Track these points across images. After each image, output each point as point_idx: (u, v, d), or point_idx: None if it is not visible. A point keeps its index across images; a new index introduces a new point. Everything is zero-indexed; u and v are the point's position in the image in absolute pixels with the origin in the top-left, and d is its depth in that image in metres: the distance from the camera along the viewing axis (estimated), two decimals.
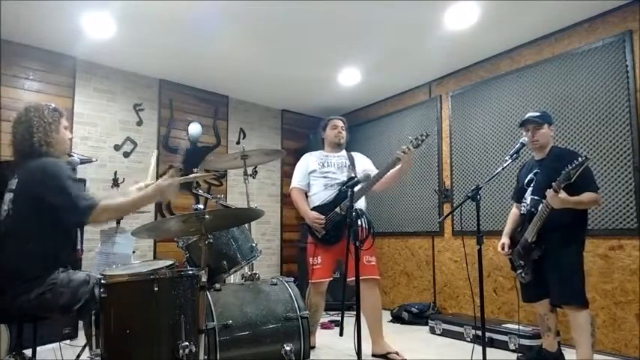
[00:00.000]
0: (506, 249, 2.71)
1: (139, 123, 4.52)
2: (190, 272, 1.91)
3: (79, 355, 2.29)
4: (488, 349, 2.24)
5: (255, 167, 5.37)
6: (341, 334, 2.16)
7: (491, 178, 2.65)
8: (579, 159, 2.23)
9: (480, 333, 2.32)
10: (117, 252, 3.15)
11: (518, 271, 2.64)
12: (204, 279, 1.88)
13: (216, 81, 4.82)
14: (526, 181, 2.68)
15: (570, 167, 2.25)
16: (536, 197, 2.53)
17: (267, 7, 3.24)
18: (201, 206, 2.91)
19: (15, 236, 1.85)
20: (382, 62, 4.28)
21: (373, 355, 2.99)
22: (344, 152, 3.32)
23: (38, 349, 2.21)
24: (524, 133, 2.67)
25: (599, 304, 3.20)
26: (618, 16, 3.27)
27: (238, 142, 5.24)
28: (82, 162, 2.75)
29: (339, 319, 2.41)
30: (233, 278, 3.33)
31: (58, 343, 2.58)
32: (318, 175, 3.18)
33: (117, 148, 4.35)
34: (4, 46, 3.72)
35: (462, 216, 4.05)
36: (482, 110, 4.18)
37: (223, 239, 2.43)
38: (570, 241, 2.44)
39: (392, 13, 3.35)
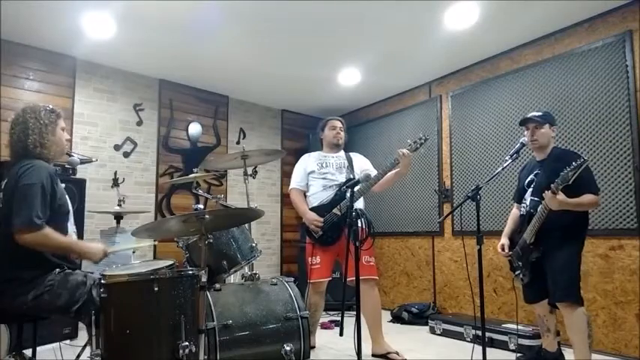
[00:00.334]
0: (506, 249, 2.70)
1: (139, 123, 4.52)
2: (190, 272, 1.91)
3: (79, 355, 2.29)
4: (488, 349, 2.24)
5: (255, 167, 5.38)
6: (341, 334, 2.17)
7: (492, 178, 2.64)
8: (578, 160, 2.23)
9: (480, 333, 2.32)
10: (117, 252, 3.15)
11: (517, 272, 2.63)
12: (204, 279, 1.88)
13: (216, 81, 4.82)
14: (526, 181, 2.67)
15: (568, 169, 2.24)
16: (535, 198, 2.52)
17: (267, 7, 3.23)
18: (201, 206, 2.91)
19: (5, 236, 1.84)
20: (382, 62, 4.28)
21: (373, 355, 2.99)
22: (342, 153, 3.32)
23: (38, 349, 2.21)
24: (525, 133, 2.66)
25: (599, 304, 3.20)
26: (618, 16, 3.27)
27: (238, 142, 5.24)
28: (82, 162, 2.76)
29: (339, 319, 2.41)
30: (233, 278, 3.32)
31: (58, 343, 2.59)
32: (317, 175, 3.18)
33: (117, 148, 4.35)
34: (4, 46, 3.72)
35: (462, 216, 4.05)
36: (482, 110, 4.18)
37: (223, 239, 2.44)
38: (568, 242, 2.42)
39: (392, 13, 3.35)
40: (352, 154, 3.33)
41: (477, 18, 3.42)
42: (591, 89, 3.36)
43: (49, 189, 1.87)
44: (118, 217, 3.29)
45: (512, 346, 3.17)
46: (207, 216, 1.90)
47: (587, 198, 2.36)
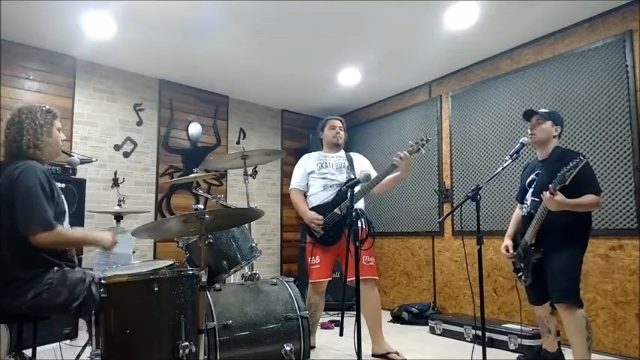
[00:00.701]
0: (510, 250, 2.64)
1: (139, 123, 4.52)
2: (190, 272, 1.92)
3: (79, 355, 2.29)
4: (488, 349, 2.23)
5: (255, 167, 5.38)
6: (341, 334, 2.16)
7: (492, 178, 2.62)
8: (576, 160, 2.19)
9: (480, 333, 2.32)
10: (117, 252, 3.14)
11: (519, 274, 2.61)
12: (204, 279, 1.88)
13: (216, 81, 4.82)
14: (527, 181, 2.64)
15: (565, 169, 2.20)
16: (536, 199, 2.48)
17: (267, 7, 3.23)
18: (201, 206, 2.91)
19: (3, 237, 1.84)
20: (382, 62, 4.28)
21: (373, 355, 2.99)
22: (342, 153, 3.32)
23: (38, 349, 2.21)
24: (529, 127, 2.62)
25: (599, 304, 3.20)
26: (618, 16, 3.27)
27: (238, 142, 5.24)
28: (82, 162, 2.75)
29: (339, 319, 2.41)
30: (233, 278, 3.33)
31: (58, 343, 2.58)
32: (317, 175, 3.18)
33: (117, 148, 4.35)
34: (4, 46, 3.72)
35: (462, 216, 4.05)
36: (482, 110, 4.18)
37: (223, 239, 2.44)
38: (569, 242, 2.38)
39: (392, 13, 3.35)
40: (352, 154, 3.32)
41: (477, 18, 3.42)
42: (591, 89, 3.36)
43: (48, 189, 1.87)
44: (118, 217, 3.28)
45: (512, 346, 3.17)
46: (207, 216, 1.90)
47: (587, 198, 2.31)
